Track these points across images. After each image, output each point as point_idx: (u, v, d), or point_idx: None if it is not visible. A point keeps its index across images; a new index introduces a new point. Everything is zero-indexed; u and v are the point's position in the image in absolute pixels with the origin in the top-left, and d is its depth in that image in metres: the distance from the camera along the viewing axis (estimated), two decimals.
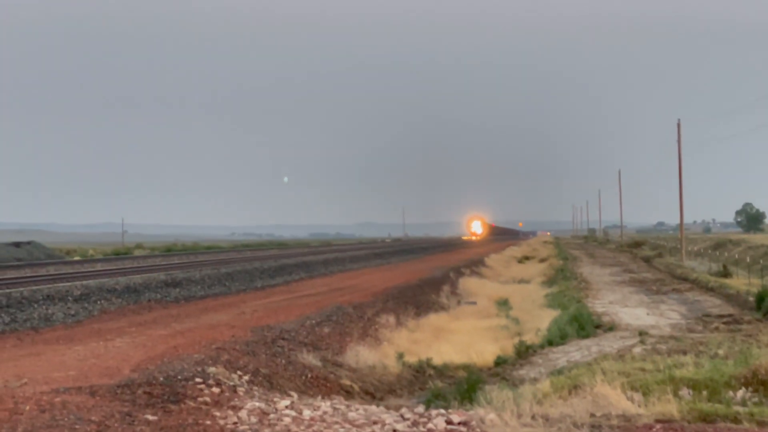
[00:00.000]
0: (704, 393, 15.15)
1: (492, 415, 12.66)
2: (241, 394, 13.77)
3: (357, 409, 13.40)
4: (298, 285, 38.85)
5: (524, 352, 25.19)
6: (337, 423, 12.17)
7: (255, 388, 14.99)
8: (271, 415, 12.38)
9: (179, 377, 14.03)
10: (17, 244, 70.23)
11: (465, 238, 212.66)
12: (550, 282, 52.87)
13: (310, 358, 19.62)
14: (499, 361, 23.92)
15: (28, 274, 38.58)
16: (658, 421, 12.76)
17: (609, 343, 25.67)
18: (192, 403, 12.63)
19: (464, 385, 18.46)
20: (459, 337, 27.36)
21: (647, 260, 76.26)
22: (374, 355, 22.36)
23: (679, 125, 71.44)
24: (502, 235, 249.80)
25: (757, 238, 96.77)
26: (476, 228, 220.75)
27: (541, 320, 31.20)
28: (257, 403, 12.97)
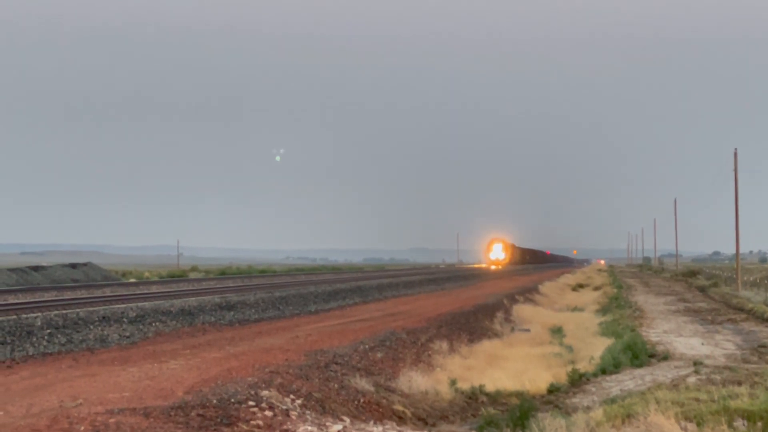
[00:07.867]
0: (759, 424, 15.02)
1: None
2: (293, 417, 13.84)
3: None
4: (351, 310, 38.85)
5: (577, 380, 25.06)
6: None
7: (308, 412, 15.05)
8: None
9: (232, 400, 14.13)
10: (74, 266, 71.10)
11: (479, 265, 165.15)
12: (604, 310, 52.46)
13: (362, 383, 19.64)
14: (552, 389, 23.80)
15: (84, 296, 39.04)
16: None
17: (663, 373, 25.49)
18: (245, 426, 12.72)
19: (517, 413, 18.39)
20: (512, 364, 27.23)
21: (702, 290, 75.46)
22: (427, 380, 22.33)
23: (736, 154, 71.01)
24: (548, 263, 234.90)
25: None
26: (497, 253, 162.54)
27: (594, 348, 30.98)
28: (309, 427, 13.04)
